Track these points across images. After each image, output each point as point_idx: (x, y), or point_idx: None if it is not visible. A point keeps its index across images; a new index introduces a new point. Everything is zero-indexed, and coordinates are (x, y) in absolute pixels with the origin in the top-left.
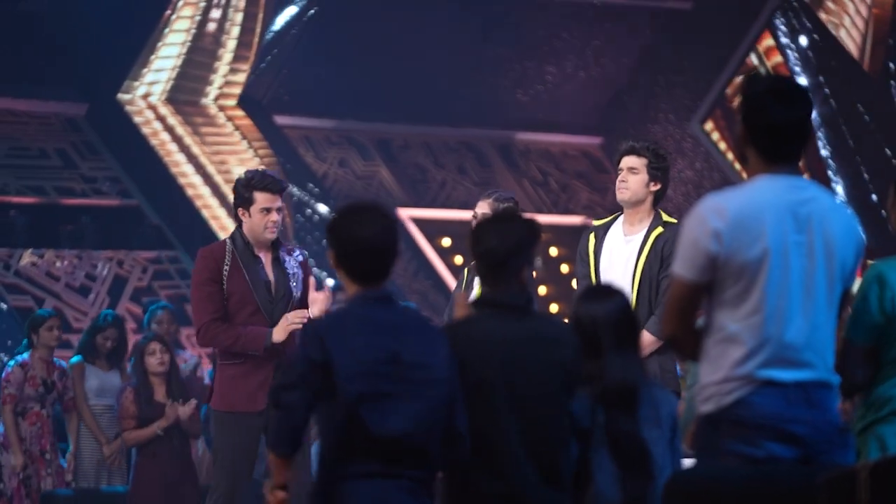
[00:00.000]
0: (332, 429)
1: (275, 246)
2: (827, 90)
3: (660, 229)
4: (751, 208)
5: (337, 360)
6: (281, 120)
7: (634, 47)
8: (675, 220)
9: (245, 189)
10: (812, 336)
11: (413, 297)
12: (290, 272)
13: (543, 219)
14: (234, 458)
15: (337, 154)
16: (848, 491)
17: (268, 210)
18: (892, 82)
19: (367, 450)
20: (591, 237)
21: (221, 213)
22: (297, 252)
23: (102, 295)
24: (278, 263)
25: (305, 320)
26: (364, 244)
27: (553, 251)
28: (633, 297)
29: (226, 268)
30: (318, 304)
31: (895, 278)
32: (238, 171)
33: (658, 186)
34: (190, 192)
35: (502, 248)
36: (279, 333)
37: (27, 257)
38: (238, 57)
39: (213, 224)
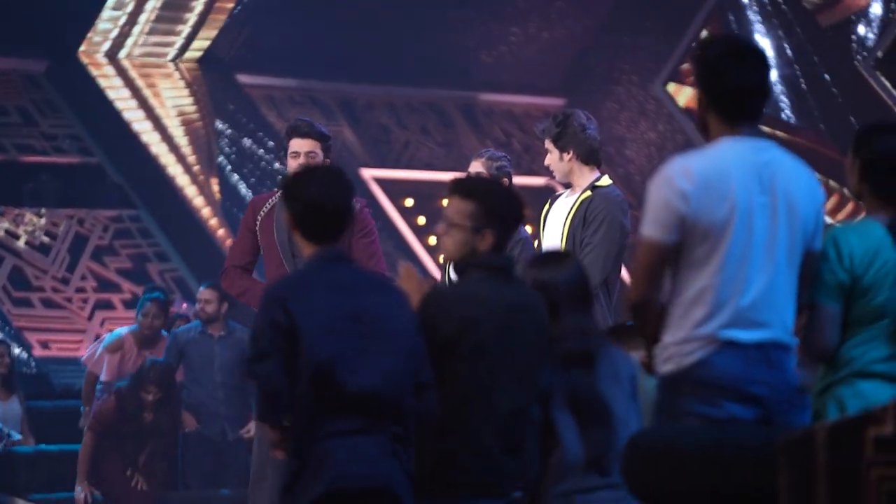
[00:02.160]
0: (303, 389)
1: None
2: (789, 50)
3: (588, 193)
4: (717, 169)
5: (301, 322)
6: (244, 79)
7: (598, 8)
8: (606, 184)
9: (285, 138)
10: (771, 296)
11: None
12: None
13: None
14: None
15: (300, 113)
16: (806, 452)
17: (296, 154)
18: (854, 37)
19: (341, 407)
20: (548, 203)
21: (179, 170)
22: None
23: (63, 253)
24: None
25: None
26: (317, 204)
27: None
28: None
29: (260, 216)
30: None
31: (849, 238)
32: (199, 131)
33: (571, 153)
34: (152, 150)
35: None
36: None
37: None
38: (203, 16)
39: (176, 182)
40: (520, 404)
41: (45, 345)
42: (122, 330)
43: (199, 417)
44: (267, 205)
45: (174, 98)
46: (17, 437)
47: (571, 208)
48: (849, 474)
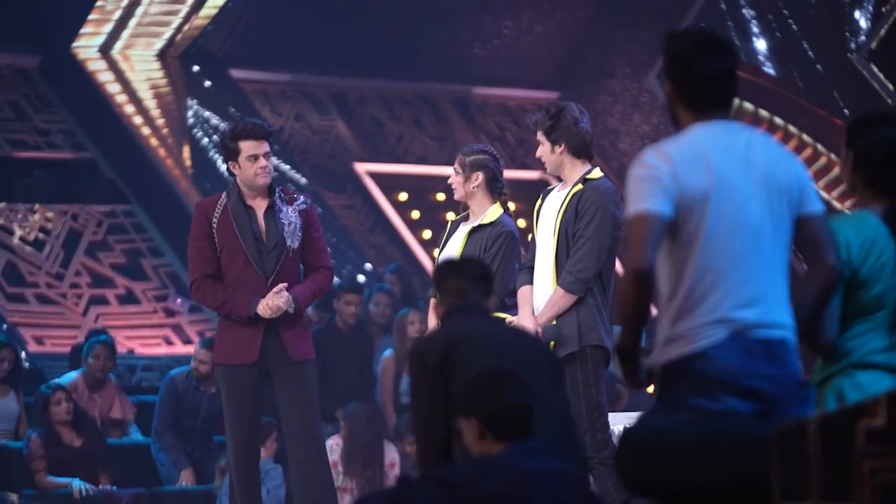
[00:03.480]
0: None
1: (271, 194)
2: (782, 42)
3: (579, 186)
4: (692, 147)
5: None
6: (237, 73)
7: (591, 1)
8: (597, 177)
9: (230, 141)
10: (763, 271)
11: (370, 251)
12: (286, 222)
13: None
14: (239, 412)
15: (293, 108)
16: (798, 444)
17: (255, 157)
18: (847, 28)
19: None
20: (541, 198)
21: (171, 165)
22: (300, 200)
23: (57, 249)
24: (272, 213)
25: (285, 304)
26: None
27: (510, 206)
28: (553, 252)
29: (215, 220)
30: (276, 297)
31: (845, 229)
32: (193, 126)
33: (563, 146)
34: (145, 145)
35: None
36: (263, 310)
37: None
38: (195, 10)
39: (169, 178)
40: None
41: (39, 340)
42: (73, 373)
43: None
44: (218, 206)
45: (166, 93)
46: None
47: (563, 202)
48: (841, 466)
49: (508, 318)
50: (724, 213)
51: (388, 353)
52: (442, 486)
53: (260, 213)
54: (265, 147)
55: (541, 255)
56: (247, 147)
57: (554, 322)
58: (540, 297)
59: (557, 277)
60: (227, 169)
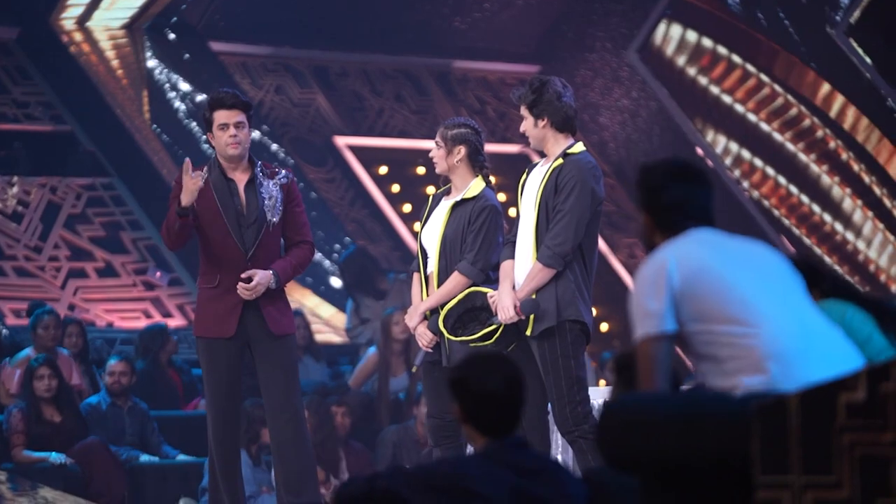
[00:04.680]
0: None
1: (252, 167)
2: (761, 17)
3: (560, 161)
4: (686, 245)
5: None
6: (216, 46)
7: None
8: (578, 151)
9: (206, 111)
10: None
11: (350, 225)
12: (266, 196)
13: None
14: (217, 384)
15: (273, 81)
16: (779, 418)
17: (225, 126)
18: (827, 2)
19: None
20: (525, 172)
21: (151, 137)
22: (282, 174)
23: (35, 222)
24: (253, 186)
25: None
26: (493, 398)
27: (491, 179)
28: (533, 226)
29: None
30: (257, 276)
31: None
32: (173, 99)
33: (546, 120)
34: (124, 118)
35: None
36: (184, 196)
37: None
38: None
39: (147, 150)
40: None
41: (17, 314)
42: (25, 350)
43: None
44: (202, 176)
45: (146, 65)
46: None
47: (544, 176)
48: (822, 440)
49: (490, 291)
50: (747, 282)
51: (372, 350)
52: (417, 478)
53: (241, 187)
54: (238, 117)
55: (522, 230)
56: (219, 116)
57: (533, 296)
58: (521, 272)
59: (538, 252)
60: (207, 140)
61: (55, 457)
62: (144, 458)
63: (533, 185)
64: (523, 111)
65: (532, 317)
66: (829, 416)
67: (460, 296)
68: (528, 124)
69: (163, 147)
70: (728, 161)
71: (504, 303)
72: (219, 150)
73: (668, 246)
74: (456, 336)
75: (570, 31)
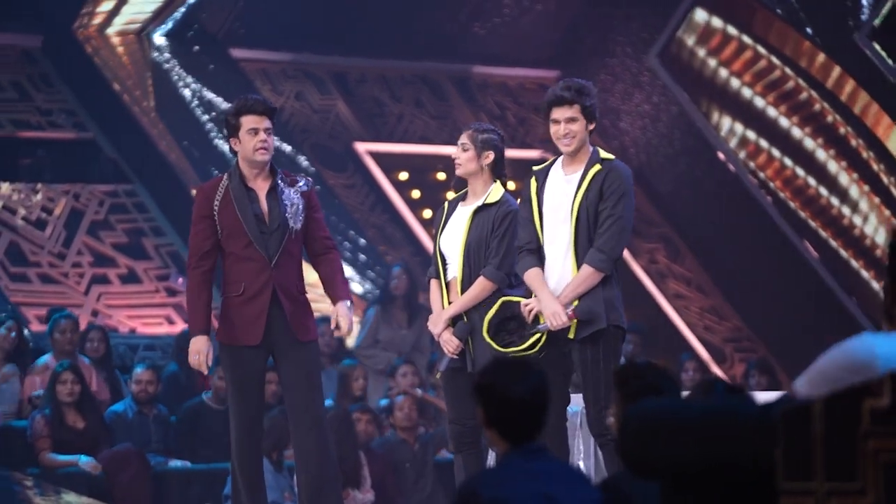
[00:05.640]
0: None
1: (273, 175)
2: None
3: (598, 166)
4: None
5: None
6: (237, 53)
7: None
8: (611, 157)
9: (232, 117)
10: None
11: (370, 230)
12: (288, 203)
13: None
14: (242, 391)
15: (293, 87)
16: (803, 424)
17: (255, 131)
18: (849, 5)
19: None
20: (533, 180)
21: (173, 144)
22: (302, 182)
23: (59, 228)
24: (274, 194)
25: (200, 369)
26: (518, 404)
27: (510, 185)
28: (573, 233)
29: (216, 202)
30: (343, 319)
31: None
32: (194, 106)
33: (593, 125)
34: (146, 125)
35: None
36: (191, 347)
37: None
38: None
39: (170, 157)
40: None
41: (42, 320)
42: (44, 356)
43: None
44: (220, 189)
45: (165, 72)
46: None
47: (583, 182)
48: (846, 446)
49: (524, 301)
50: None
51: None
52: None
53: (262, 195)
54: (266, 123)
55: (552, 238)
56: (247, 121)
57: (575, 302)
58: (554, 280)
59: (577, 259)
60: (230, 147)
61: (85, 460)
62: (175, 463)
63: (561, 193)
64: (575, 113)
65: (576, 320)
66: (854, 421)
67: (496, 306)
68: (579, 127)
69: (184, 155)
70: (743, 155)
71: (553, 308)
72: (245, 155)
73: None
74: (506, 348)
75: (590, 36)
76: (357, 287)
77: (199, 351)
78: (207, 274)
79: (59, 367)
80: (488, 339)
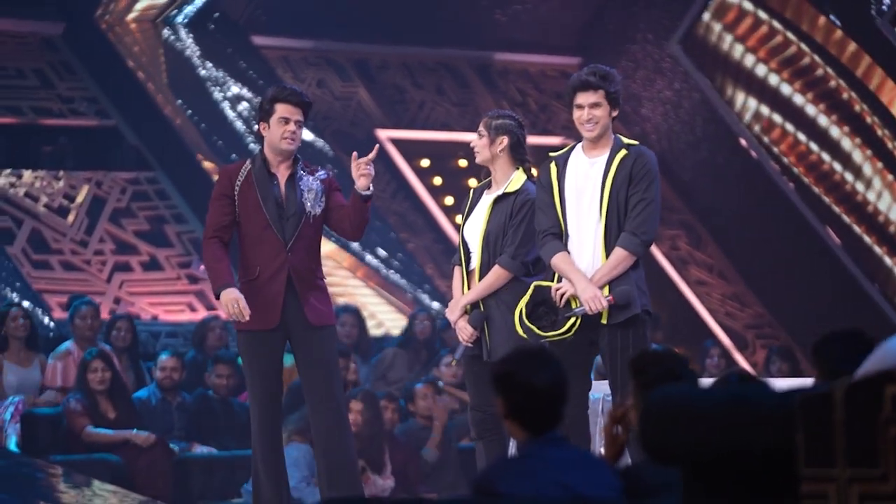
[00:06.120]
0: None
1: (295, 164)
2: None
3: (624, 151)
4: None
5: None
6: (258, 40)
7: None
8: (636, 142)
9: (268, 102)
10: None
11: (392, 217)
12: (305, 189)
13: None
14: (260, 376)
15: (315, 74)
16: (824, 410)
17: (286, 120)
18: None
19: None
20: (553, 166)
21: (194, 131)
22: (322, 171)
23: (81, 216)
24: (293, 180)
25: (241, 318)
26: (538, 394)
27: (533, 172)
28: (602, 218)
29: (238, 184)
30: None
31: None
32: (216, 93)
33: (617, 111)
34: (167, 112)
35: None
36: (223, 298)
37: (5, 178)
38: None
39: (192, 144)
40: None
41: (64, 307)
42: (66, 343)
43: None
44: (242, 171)
45: (186, 59)
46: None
47: (611, 167)
48: (867, 432)
49: (555, 285)
50: None
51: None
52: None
53: (282, 181)
54: (298, 115)
55: (580, 223)
56: (281, 109)
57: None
58: (585, 264)
59: (607, 244)
60: (258, 130)
61: (137, 432)
62: (199, 449)
63: (586, 177)
64: (599, 98)
65: (608, 305)
66: (875, 407)
67: (530, 291)
68: (603, 112)
69: (205, 142)
70: (767, 140)
71: (590, 293)
72: (271, 141)
73: None
74: (545, 332)
75: (612, 22)
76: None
77: (236, 299)
78: (224, 242)
79: (87, 355)
80: (528, 324)
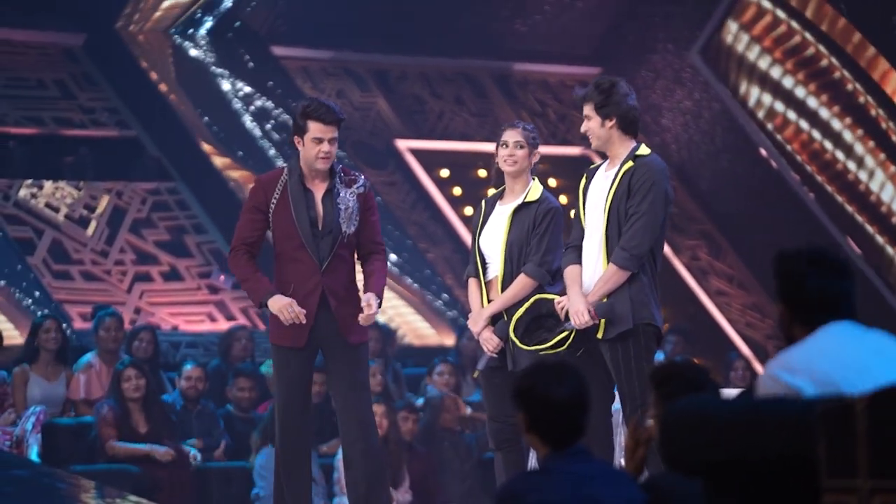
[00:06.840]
0: None
1: (331, 177)
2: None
3: (630, 163)
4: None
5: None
6: (278, 51)
7: None
8: (648, 153)
9: (300, 117)
10: None
11: (412, 228)
12: (342, 207)
13: (542, 149)
14: (288, 392)
15: (334, 85)
16: (846, 420)
17: (319, 140)
18: None
19: None
20: (584, 177)
21: (214, 142)
22: (360, 182)
23: (102, 226)
24: (331, 197)
25: (299, 321)
26: (559, 408)
27: (552, 182)
28: (604, 231)
29: (274, 199)
30: (367, 307)
31: None
32: (236, 104)
33: (614, 121)
34: (188, 123)
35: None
36: (274, 307)
37: (26, 188)
38: None
39: (212, 157)
40: None
41: (85, 317)
42: (88, 355)
43: None
44: (279, 185)
45: (207, 70)
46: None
47: (614, 179)
48: (890, 443)
49: (557, 298)
50: None
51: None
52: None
53: (318, 197)
54: (333, 132)
55: (590, 234)
56: (315, 129)
57: (604, 300)
58: (588, 276)
59: (607, 256)
60: (292, 142)
61: (155, 447)
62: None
63: (599, 190)
64: (589, 111)
65: (604, 320)
66: None
67: (527, 304)
68: (594, 124)
69: (225, 152)
70: (790, 149)
71: (578, 307)
72: (306, 159)
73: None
74: (529, 346)
75: (631, 32)
76: (396, 287)
77: (288, 304)
78: (252, 255)
79: (120, 365)
80: (513, 338)
